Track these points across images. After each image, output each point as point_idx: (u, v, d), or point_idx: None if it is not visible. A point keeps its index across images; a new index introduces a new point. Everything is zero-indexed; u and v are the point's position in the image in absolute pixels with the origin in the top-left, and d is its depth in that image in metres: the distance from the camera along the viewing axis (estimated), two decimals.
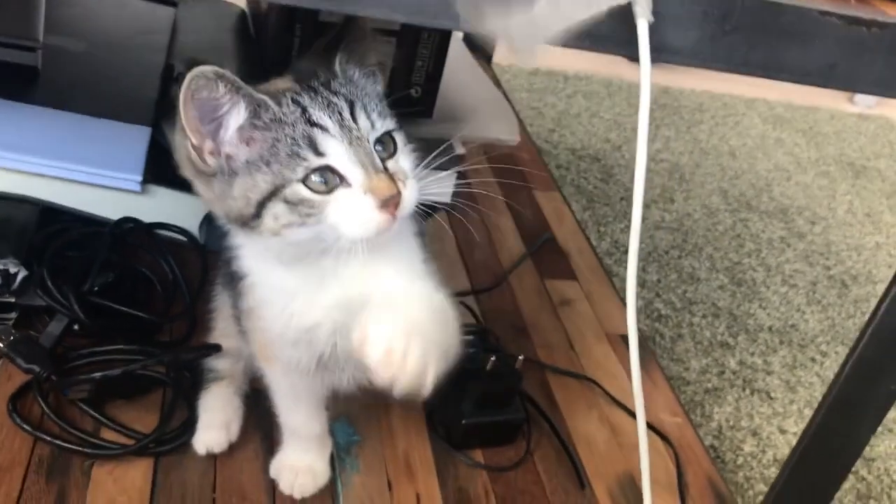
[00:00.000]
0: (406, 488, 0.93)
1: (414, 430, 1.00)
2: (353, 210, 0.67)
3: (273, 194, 0.66)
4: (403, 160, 0.71)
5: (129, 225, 1.08)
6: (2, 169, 1.02)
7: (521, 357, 0.98)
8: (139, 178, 1.06)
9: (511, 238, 1.42)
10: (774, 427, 1.50)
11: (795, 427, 1.51)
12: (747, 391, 1.57)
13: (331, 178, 0.67)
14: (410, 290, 0.72)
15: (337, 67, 0.72)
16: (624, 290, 1.72)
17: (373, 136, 0.69)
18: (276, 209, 0.67)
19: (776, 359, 1.67)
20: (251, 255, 0.77)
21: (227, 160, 0.68)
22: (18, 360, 0.94)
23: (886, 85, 0.62)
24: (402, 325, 0.65)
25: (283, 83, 0.71)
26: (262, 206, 0.67)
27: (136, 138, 1.10)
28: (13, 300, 0.97)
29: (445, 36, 1.35)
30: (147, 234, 1.10)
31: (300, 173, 0.66)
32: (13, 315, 0.98)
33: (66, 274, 0.99)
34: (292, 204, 0.66)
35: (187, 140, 0.67)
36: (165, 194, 1.09)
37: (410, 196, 0.69)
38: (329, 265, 0.72)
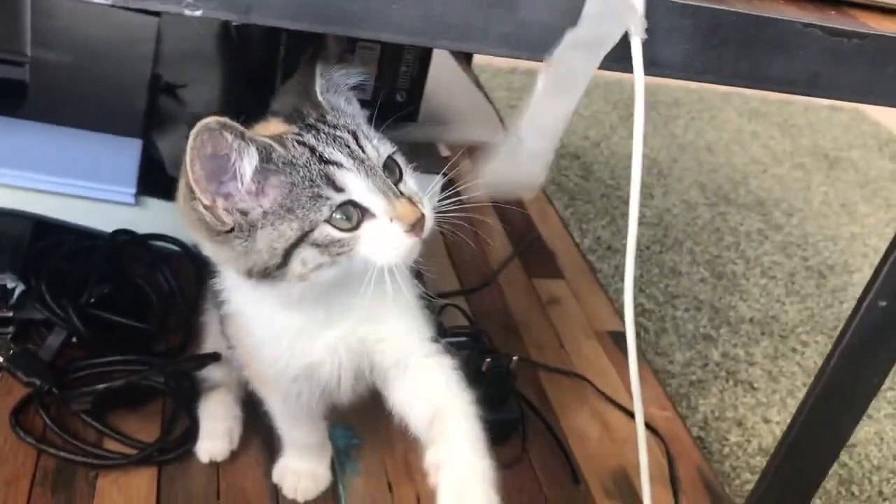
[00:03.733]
0: (406, 490, 0.95)
1: (412, 432, 1.02)
2: (383, 239, 0.67)
3: (301, 240, 0.65)
4: (411, 181, 0.71)
5: (124, 237, 1.09)
6: None
7: (514, 357, 1.01)
8: (133, 190, 1.07)
9: (498, 238, 1.44)
10: (758, 417, 1.54)
11: (778, 416, 1.55)
12: (731, 382, 1.60)
13: (352, 213, 0.66)
14: (425, 382, 0.76)
15: (321, 99, 0.72)
16: (609, 286, 1.75)
17: (380, 163, 0.69)
18: (305, 254, 0.66)
19: (758, 350, 1.70)
20: (247, 298, 0.76)
21: (242, 216, 0.66)
22: (19, 373, 0.95)
23: (866, 92, 0.65)
24: (483, 490, 0.69)
25: (274, 127, 0.71)
26: (288, 254, 0.66)
27: (128, 150, 1.11)
28: (11, 315, 0.98)
29: None
30: (142, 245, 1.11)
31: (325, 213, 0.65)
32: (11, 329, 0.99)
33: (63, 287, 1.00)
34: (322, 246, 0.66)
35: (197, 201, 0.65)
36: (159, 205, 1.10)
37: (430, 215, 0.69)
38: (337, 302, 0.73)
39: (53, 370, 0.96)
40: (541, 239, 1.47)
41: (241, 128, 0.63)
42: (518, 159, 0.63)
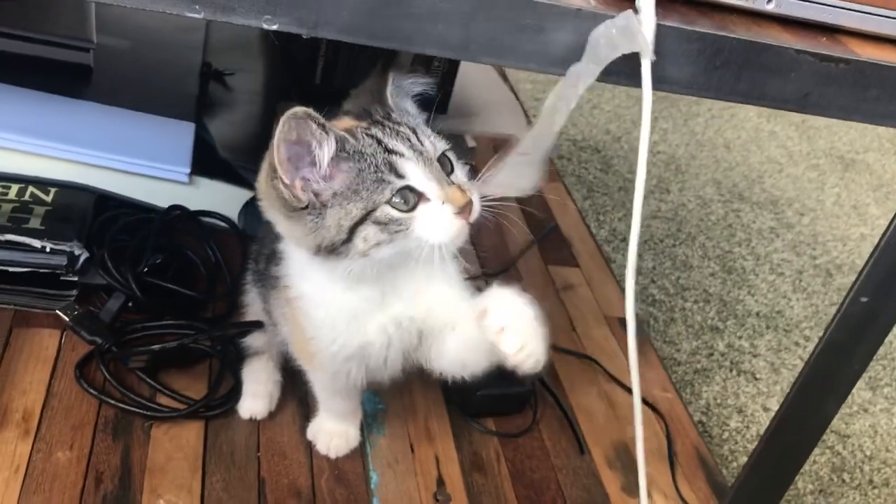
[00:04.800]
0: (426, 450, 1.05)
1: (433, 401, 1.12)
2: (436, 220, 0.76)
3: (365, 218, 0.74)
4: (461, 173, 0.80)
5: (177, 212, 1.19)
6: (64, 160, 1.13)
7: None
8: (187, 169, 1.17)
9: (518, 227, 1.53)
10: (759, 405, 1.62)
11: (777, 405, 1.63)
12: (734, 372, 1.69)
13: (410, 197, 0.75)
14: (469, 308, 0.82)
15: (389, 101, 0.81)
16: (622, 276, 1.84)
17: (435, 156, 0.78)
18: (367, 231, 0.75)
19: (762, 342, 1.79)
20: (311, 279, 0.84)
21: (315, 196, 0.75)
22: (82, 332, 1.05)
23: (851, 111, 0.73)
24: (529, 322, 0.75)
25: (346, 123, 0.80)
26: (353, 230, 0.75)
27: (182, 133, 1.21)
28: (76, 279, 1.09)
29: None
30: (192, 220, 1.21)
31: (387, 195, 0.75)
32: (74, 292, 1.09)
33: (122, 256, 1.10)
34: (382, 224, 0.75)
35: (278, 180, 0.73)
36: (209, 185, 1.20)
37: (477, 202, 0.78)
38: (390, 284, 0.82)
39: (112, 331, 1.06)
40: (558, 228, 1.55)
41: (323, 119, 0.72)
42: (521, 170, 0.73)
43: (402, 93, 0.83)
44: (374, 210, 0.75)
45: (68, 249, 1.06)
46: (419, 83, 0.84)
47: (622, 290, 1.46)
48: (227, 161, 1.25)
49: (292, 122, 0.71)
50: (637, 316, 1.37)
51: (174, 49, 1.40)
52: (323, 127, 0.73)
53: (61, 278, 1.08)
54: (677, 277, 1.92)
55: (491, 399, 1.10)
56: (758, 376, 1.69)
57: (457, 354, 0.87)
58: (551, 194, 1.65)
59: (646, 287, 1.85)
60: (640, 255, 1.92)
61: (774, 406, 1.63)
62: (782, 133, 2.75)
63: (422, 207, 0.76)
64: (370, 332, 0.85)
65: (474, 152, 1.55)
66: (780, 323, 1.86)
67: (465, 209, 0.76)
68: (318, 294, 0.85)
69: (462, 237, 0.78)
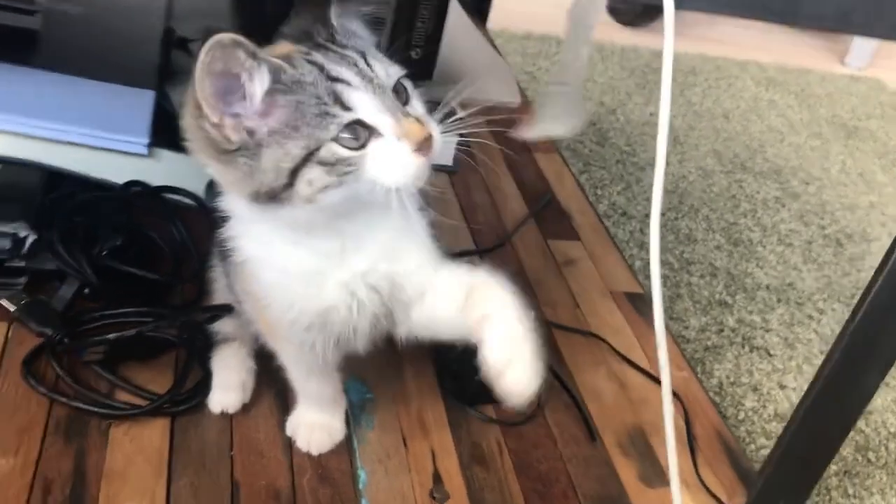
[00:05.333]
0: (421, 444, 0.94)
1: (426, 388, 1.01)
2: (390, 158, 0.66)
3: (307, 159, 0.65)
4: (418, 104, 0.70)
5: (136, 188, 1.08)
6: (7, 133, 1.02)
7: (532, 314, 0.99)
8: (146, 140, 1.06)
9: (513, 200, 1.42)
10: (774, 383, 1.52)
11: (794, 382, 1.53)
12: (746, 348, 1.59)
13: (360, 132, 0.65)
14: (450, 278, 0.76)
15: (334, 21, 0.70)
16: (625, 249, 1.73)
17: (389, 84, 0.68)
18: (311, 174, 0.65)
19: (774, 316, 1.68)
20: (256, 237, 0.75)
21: (248, 135, 0.65)
22: (31, 323, 0.95)
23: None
24: (532, 355, 0.70)
25: (282, 48, 0.69)
26: (294, 174, 0.65)
27: (141, 102, 1.10)
28: (23, 264, 0.98)
29: None
30: (154, 197, 1.10)
31: (333, 131, 0.64)
32: (23, 280, 0.99)
33: (76, 238, 0.99)
34: (328, 164, 0.65)
35: (204, 119, 0.64)
36: (172, 157, 1.09)
37: (438, 137, 0.68)
38: (350, 235, 0.72)
39: (65, 321, 0.95)
40: (556, 200, 1.45)
41: (253, 46, 0.63)
42: (565, 104, 0.64)
43: (348, 12, 0.72)
44: (317, 149, 0.65)
45: (11, 231, 0.95)
46: (369, 1, 0.74)
47: (627, 263, 1.36)
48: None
49: (217, 51, 0.60)
50: (642, 293, 1.28)
51: (133, 13, 1.29)
52: (253, 55, 0.63)
53: (6, 264, 0.97)
54: (682, 252, 1.81)
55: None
56: (772, 352, 1.59)
57: (427, 325, 0.79)
58: (547, 165, 1.54)
59: (649, 262, 1.74)
60: (640, 230, 1.82)
61: (791, 383, 1.53)
62: (781, 101, 2.65)
63: (374, 144, 0.66)
64: (330, 293, 0.75)
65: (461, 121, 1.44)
66: (792, 296, 1.76)
67: (424, 145, 0.66)
68: (265, 252, 0.75)
69: (422, 178, 0.68)
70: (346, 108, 0.65)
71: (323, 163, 0.65)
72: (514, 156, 1.46)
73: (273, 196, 0.66)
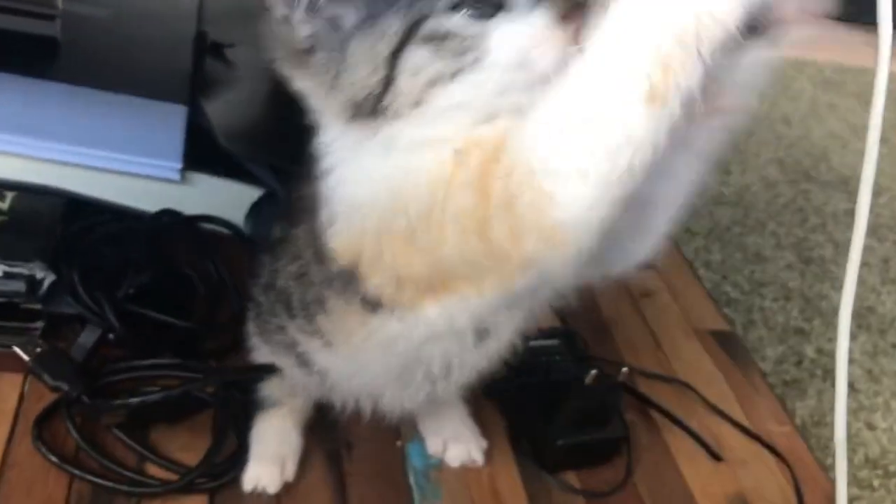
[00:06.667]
0: None
1: (498, 452, 0.88)
2: (525, 34, 0.51)
3: (409, 34, 0.51)
4: None
5: (168, 218, 0.96)
6: (21, 157, 0.91)
7: (625, 369, 0.86)
8: (178, 165, 0.94)
9: None
10: (862, 423, 1.38)
11: (884, 423, 1.39)
12: (828, 382, 1.45)
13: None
14: None
15: None
16: (708, 280, 1.57)
17: None
18: (416, 58, 0.51)
19: (855, 345, 1.54)
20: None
21: (332, 27, 0.53)
22: (45, 376, 0.82)
23: None
24: None
25: None
26: (395, 60, 0.51)
27: (172, 118, 0.99)
28: (40, 307, 0.86)
29: None
30: (187, 228, 0.99)
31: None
32: (40, 324, 0.87)
33: (98, 276, 0.88)
34: (438, 40, 0.51)
35: (274, 19, 0.54)
36: (207, 182, 0.98)
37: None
38: None
39: (86, 372, 0.83)
40: None
41: None
42: None
43: None
44: (420, 21, 0.50)
45: (27, 272, 0.84)
46: None
47: (708, 293, 1.23)
48: (229, 152, 1.01)
49: None
50: (731, 330, 1.15)
51: (162, 17, 1.17)
52: None
53: (21, 307, 0.85)
54: (751, 271, 1.67)
55: (575, 448, 0.86)
56: (856, 387, 1.45)
57: None
58: None
59: (718, 284, 1.60)
60: (706, 248, 1.69)
61: (879, 423, 1.39)
62: (842, 104, 2.51)
63: (501, 15, 0.51)
64: None
65: None
66: (873, 321, 1.61)
67: (573, 14, 0.50)
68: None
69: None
70: None
71: (430, 38, 0.51)
72: None
73: (374, 107, 0.53)
